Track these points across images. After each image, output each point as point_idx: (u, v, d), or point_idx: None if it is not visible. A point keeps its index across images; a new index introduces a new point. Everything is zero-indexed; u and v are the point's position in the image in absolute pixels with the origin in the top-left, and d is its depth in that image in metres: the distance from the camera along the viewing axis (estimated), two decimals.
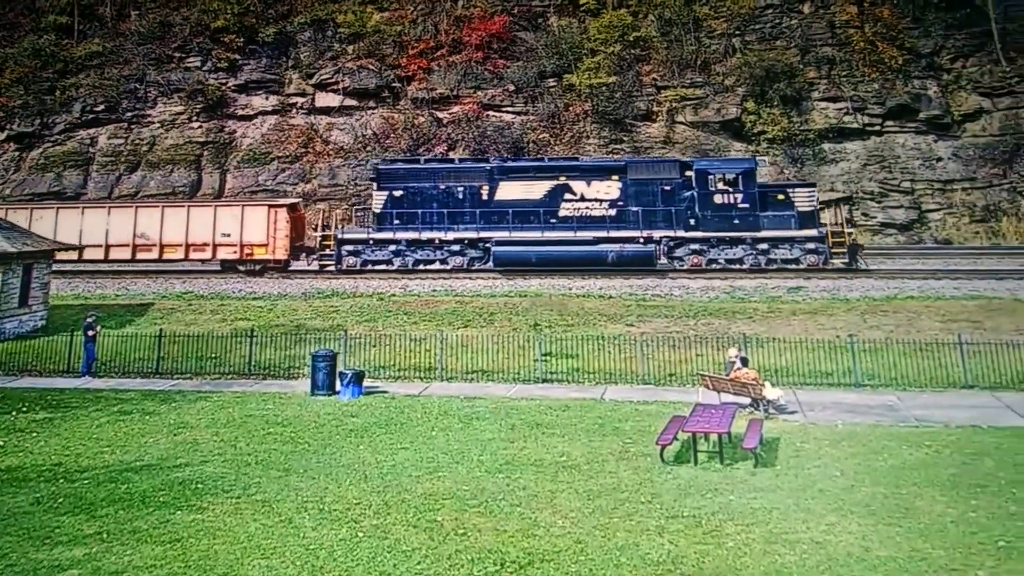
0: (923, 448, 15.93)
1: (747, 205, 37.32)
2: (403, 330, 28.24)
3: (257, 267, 40.46)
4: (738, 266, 37.22)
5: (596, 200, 38.74)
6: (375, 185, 41.18)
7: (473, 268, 39.03)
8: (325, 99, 53.97)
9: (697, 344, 24.79)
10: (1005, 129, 47.59)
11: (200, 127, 53.55)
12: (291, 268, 41.25)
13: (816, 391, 21.65)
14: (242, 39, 55.23)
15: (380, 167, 42.17)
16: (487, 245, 38.81)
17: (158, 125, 53.86)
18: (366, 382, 22.64)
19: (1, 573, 10.74)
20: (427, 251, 39.62)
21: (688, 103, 50.01)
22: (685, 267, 37.53)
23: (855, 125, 48.50)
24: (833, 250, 36.71)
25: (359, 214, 45.01)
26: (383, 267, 39.71)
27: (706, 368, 22.38)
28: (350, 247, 39.97)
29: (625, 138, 49.74)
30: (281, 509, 13.04)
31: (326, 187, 49.93)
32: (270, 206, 41.14)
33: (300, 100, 54.55)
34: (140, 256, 40.92)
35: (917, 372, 22.15)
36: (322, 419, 19.31)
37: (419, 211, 39.51)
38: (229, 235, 40.33)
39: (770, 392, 19.40)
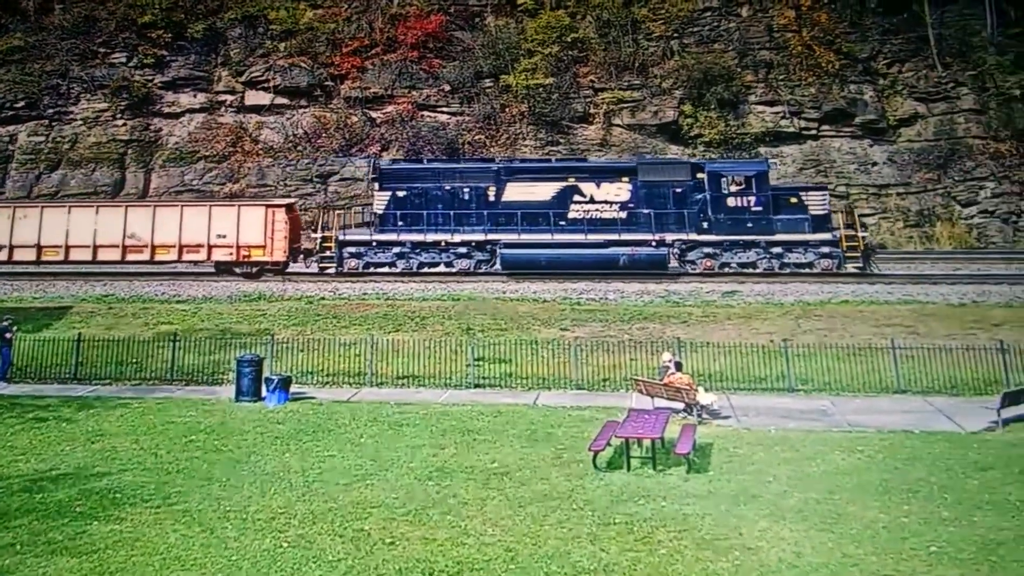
0: (856, 453, 16.05)
1: (760, 208, 36.98)
2: (332, 334, 27.67)
3: (254, 269, 39.19)
4: (751, 270, 36.94)
5: (606, 202, 38.09)
6: (376, 185, 40.11)
7: (480, 271, 38.26)
8: (255, 97, 52.90)
9: (631, 349, 24.73)
10: (940, 134, 48.60)
11: (124, 125, 52.02)
12: (289, 271, 40.16)
13: (750, 396, 21.73)
14: (170, 35, 53.79)
15: (382, 167, 41.11)
16: (494, 248, 38.09)
17: (81, 122, 52.19)
18: (293, 388, 22.05)
19: None
20: (432, 253, 38.69)
21: (625, 105, 50.18)
22: (698, 271, 37.15)
23: (792, 129, 49.20)
24: (847, 254, 36.59)
25: (358, 215, 43.89)
26: (386, 270, 38.82)
27: (640, 373, 22.30)
28: (352, 249, 38.90)
29: (562, 140, 49.74)
30: (203, 519, 12.71)
31: (254, 187, 48.94)
32: (267, 206, 39.96)
33: (229, 98, 53.41)
34: (130, 257, 39.51)
35: (850, 377, 22.34)
36: (247, 426, 18.80)
37: (424, 212, 38.58)
38: (225, 236, 38.91)
39: (704, 397, 19.41)
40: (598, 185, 38.30)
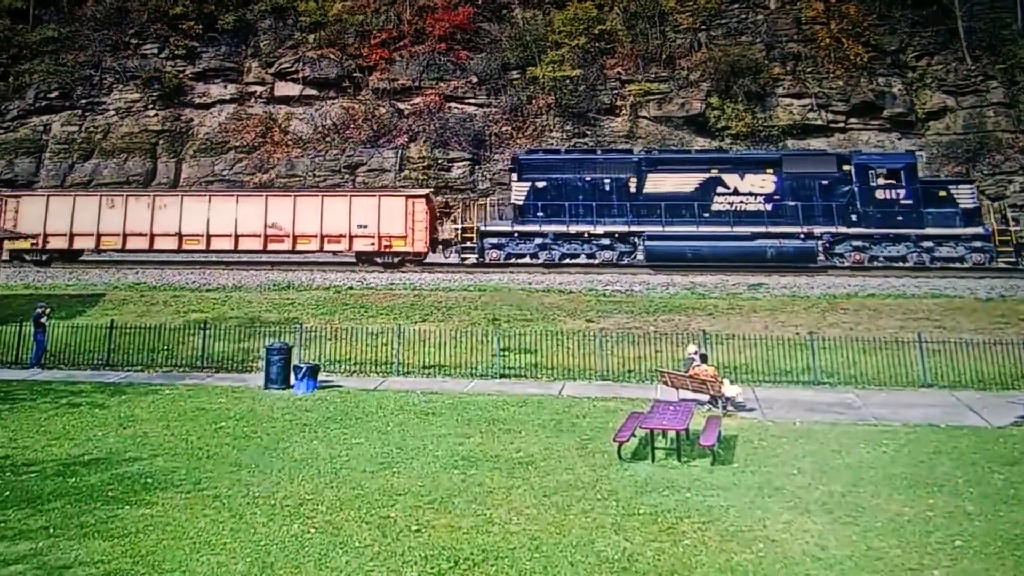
0: (881, 447, 15.97)
1: (910, 201, 36.61)
2: (360, 324, 27.88)
3: (395, 260, 39.30)
4: (901, 263, 36.57)
5: (751, 194, 37.86)
6: (515, 176, 40.07)
7: (622, 263, 38.06)
8: (284, 88, 53.36)
9: (656, 340, 24.69)
10: (969, 128, 48.06)
11: (156, 115, 52.72)
12: (427, 261, 40.19)
13: (775, 388, 21.69)
14: (201, 26, 54.41)
15: (521, 157, 40.89)
16: (636, 239, 37.94)
17: (113, 113, 52.95)
18: (321, 376, 22.30)
19: None
20: (575, 245, 38.60)
21: (652, 97, 50.04)
22: (847, 264, 36.81)
23: (819, 122, 48.86)
24: (999, 248, 36.15)
25: (495, 206, 43.75)
26: (527, 260, 38.74)
27: (665, 365, 22.33)
28: (493, 240, 38.99)
29: (588, 132, 49.69)
30: (232, 504, 12.79)
31: (284, 178, 49.37)
32: (407, 196, 40.00)
33: (259, 89, 53.92)
34: (272, 247, 39.94)
35: (876, 370, 22.25)
36: (275, 413, 18.99)
37: (565, 203, 38.53)
38: (366, 226, 39.21)
39: (729, 389, 19.36)
40: (742, 177, 38.12)
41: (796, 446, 16.05)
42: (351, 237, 39.35)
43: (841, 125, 48.95)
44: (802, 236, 36.96)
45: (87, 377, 23.39)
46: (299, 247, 39.83)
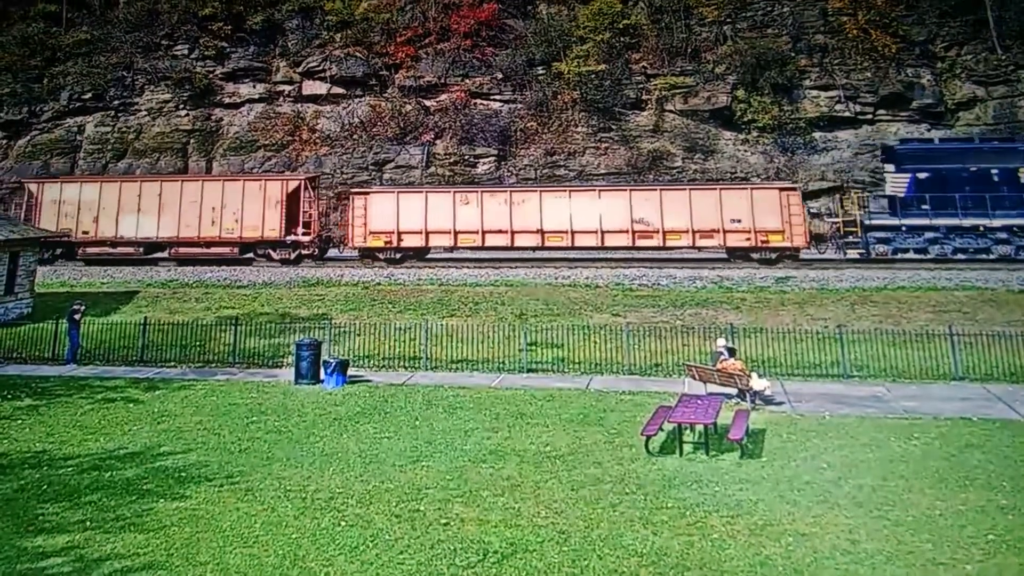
0: (912, 440, 15.86)
1: None
2: (388, 319, 28.07)
3: (772, 255, 37.35)
4: None
5: None
6: (891, 167, 38.56)
7: (1020, 258, 35.77)
8: (312, 87, 53.74)
9: (683, 334, 24.63)
10: (1000, 118, 47.38)
11: (187, 115, 53.35)
12: (805, 257, 38.46)
13: (804, 382, 21.57)
14: (230, 27, 54.98)
15: (897, 148, 39.22)
16: None
17: (145, 113, 53.65)
18: (350, 371, 22.50)
19: None
20: (968, 239, 36.24)
21: (678, 91, 49.80)
22: None
23: (847, 114, 48.41)
24: None
25: (874, 197, 40.29)
26: (916, 256, 36.94)
27: (692, 358, 22.28)
28: (879, 234, 37.02)
29: (614, 127, 49.55)
30: (264, 498, 13.00)
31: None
32: (781, 189, 38.20)
33: (287, 88, 54.34)
34: (640, 243, 38.37)
35: (906, 363, 22.08)
36: (306, 408, 19.19)
37: (955, 195, 36.34)
38: (740, 220, 37.27)
39: (757, 383, 19.30)
40: None
41: (825, 440, 15.98)
42: (724, 232, 37.46)
43: (869, 117, 48.46)
44: None
45: (122, 373, 23.73)
46: (669, 243, 38.12)
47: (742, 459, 14.80)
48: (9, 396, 20.43)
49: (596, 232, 38.31)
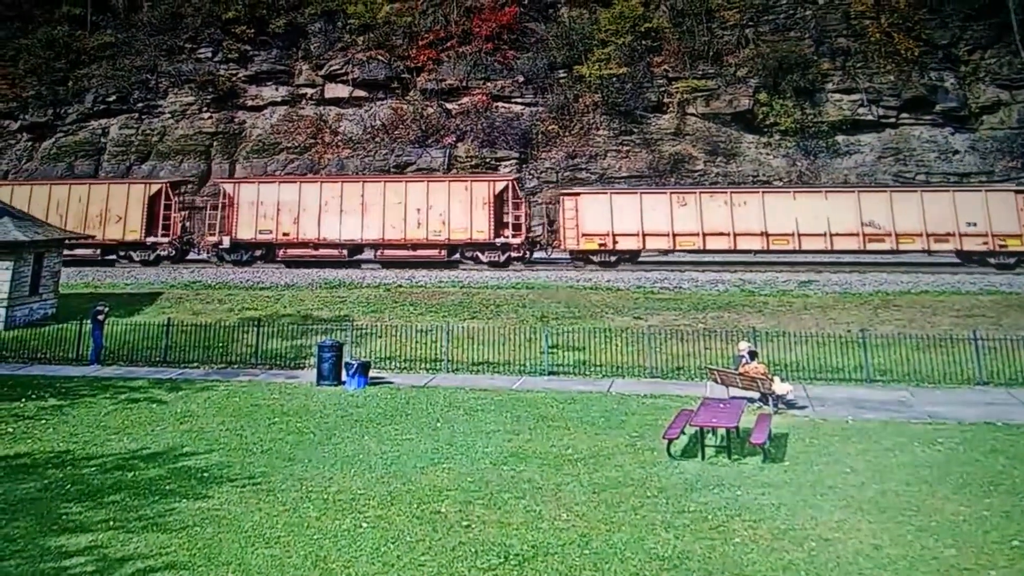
0: (936, 445, 15.72)
1: None
2: (409, 321, 28.12)
3: (1011, 260, 36.01)
4: None
5: None
6: None
7: None
8: (334, 90, 54.01)
9: (706, 338, 24.56)
10: None
11: (210, 118, 53.75)
12: None
13: (827, 386, 21.43)
14: (253, 30, 55.37)
15: None
16: None
17: (169, 116, 54.10)
18: (372, 373, 22.51)
19: (9, 558, 10.74)
20: None
21: (700, 95, 49.71)
22: None
23: (870, 117, 48.17)
24: None
25: None
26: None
27: (714, 362, 22.20)
28: None
29: (635, 130, 49.48)
30: (286, 498, 13.02)
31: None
32: (1017, 191, 36.83)
33: (310, 91, 54.65)
34: (871, 247, 37.01)
35: (930, 368, 21.89)
36: (327, 409, 19.24)
37: None
38: (975, 224, 36.04)
39: (779, 387, 19.19)
40: None
41: (848, 444, 15.86)
42: (960, 236, 36.17)
43: (892, 120, 48.21)
44: None
45: (145, 373, 23.87)
46: (902, 247, 36.75)
47: (764, 463, 14.71)
48: (34, 396, 20.58)
49: (824, 235, 37.13)
